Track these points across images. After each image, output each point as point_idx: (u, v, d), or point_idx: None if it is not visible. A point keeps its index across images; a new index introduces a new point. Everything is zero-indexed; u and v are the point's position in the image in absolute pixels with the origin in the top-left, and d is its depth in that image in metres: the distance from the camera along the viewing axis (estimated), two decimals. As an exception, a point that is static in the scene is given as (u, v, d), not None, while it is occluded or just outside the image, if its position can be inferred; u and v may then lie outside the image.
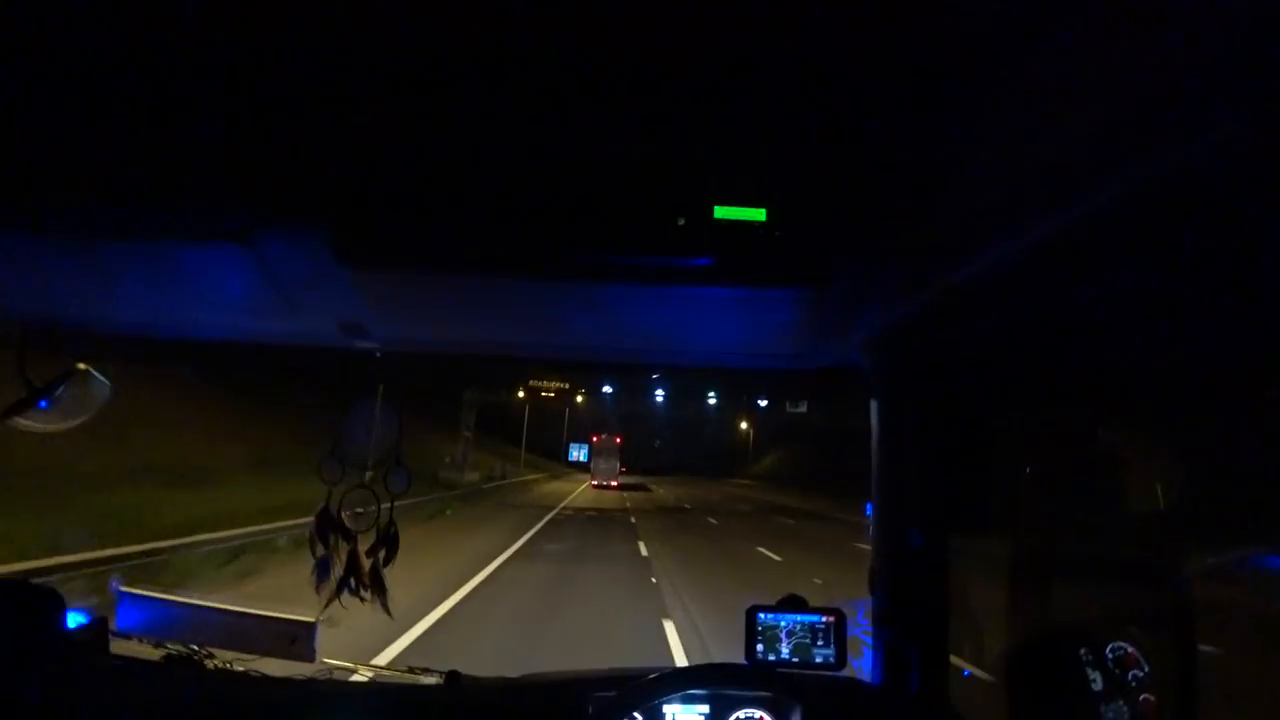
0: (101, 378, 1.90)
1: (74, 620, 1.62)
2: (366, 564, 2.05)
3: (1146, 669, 1.43)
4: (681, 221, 1.24)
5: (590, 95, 1.13)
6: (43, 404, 1.80)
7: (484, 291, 1.54)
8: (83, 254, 1.49)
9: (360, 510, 1.96)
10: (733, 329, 1.71)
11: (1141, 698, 1.42)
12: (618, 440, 45.88)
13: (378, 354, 2.03)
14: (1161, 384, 1.64)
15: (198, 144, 1.22)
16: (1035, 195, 1.08)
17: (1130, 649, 1.45)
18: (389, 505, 1.91)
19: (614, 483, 44.18)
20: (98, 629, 1.61)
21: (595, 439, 45.52)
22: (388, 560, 1.96)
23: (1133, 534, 1.63)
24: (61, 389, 1.82)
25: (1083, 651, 1.48)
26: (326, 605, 1.87)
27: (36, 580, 1.62)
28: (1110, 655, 1.46)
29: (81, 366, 1.87)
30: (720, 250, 1.26)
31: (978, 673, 1.78)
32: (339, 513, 1.93)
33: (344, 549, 2.00)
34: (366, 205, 1.28)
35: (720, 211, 1.23)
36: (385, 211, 1.29)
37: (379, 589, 2.07)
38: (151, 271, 1.54)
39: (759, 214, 1.24)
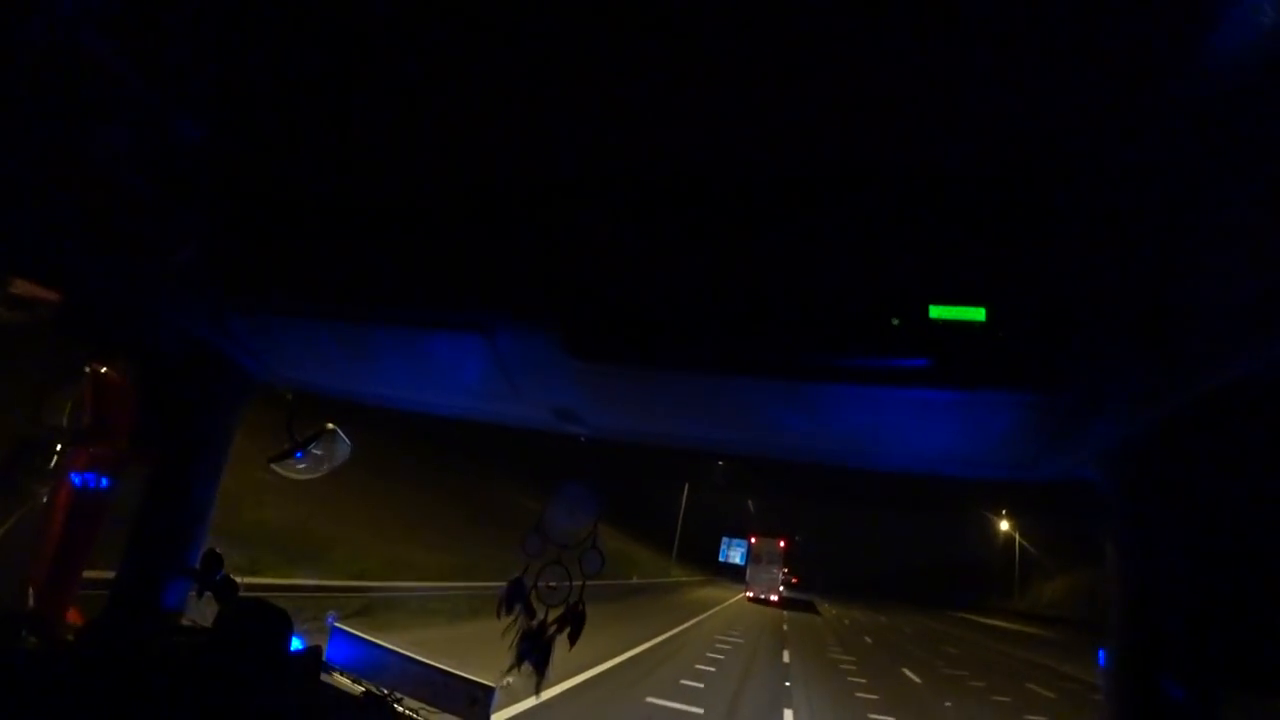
0: (345, 439, 2.18)
1: (296, 644, 1.80)
2: (553, 638, 2.09)
3: None
4: (896, 322, 1.23)
5: (809, 196, 1.18)
6: (299, 455, 2.08)
7: (696, 388, 1.58)
8: (350, 335, 1.76)
9: (554, 585, 2.02)
10: (948, 435, 1.62)
11: None
12: (781, 544, 36.95)
13: (582, 439, 2.15)
14: None
15: (449, 245, 1.43)
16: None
17: None
18: (580, 584, 1.95)
19: (774, 597, 35.79)
20: (313, 656, 1.76)
21: (754, 540, 36.09)
22: (574, 637, 1.99)
23: None
24: (315, 444, 2.11)
25: None
26: (508, 672, 1.91)
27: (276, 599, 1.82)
28: None
29: (331, 427, 2.16)
30: (937, 351, 1.23)
31: None
32: (533, 584, 2.01)
33: (529, 620, 2.07)
34: (594, 303, 1.40)
35: (936, 312, 1.20)
36: (611, 309, 1.40)
37: (545, 661, 2.09)
38: (403, 354, 1.79)
39: (978, 314, 1.20)
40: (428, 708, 1.81)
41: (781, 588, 37.50)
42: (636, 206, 1.25)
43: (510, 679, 1.95)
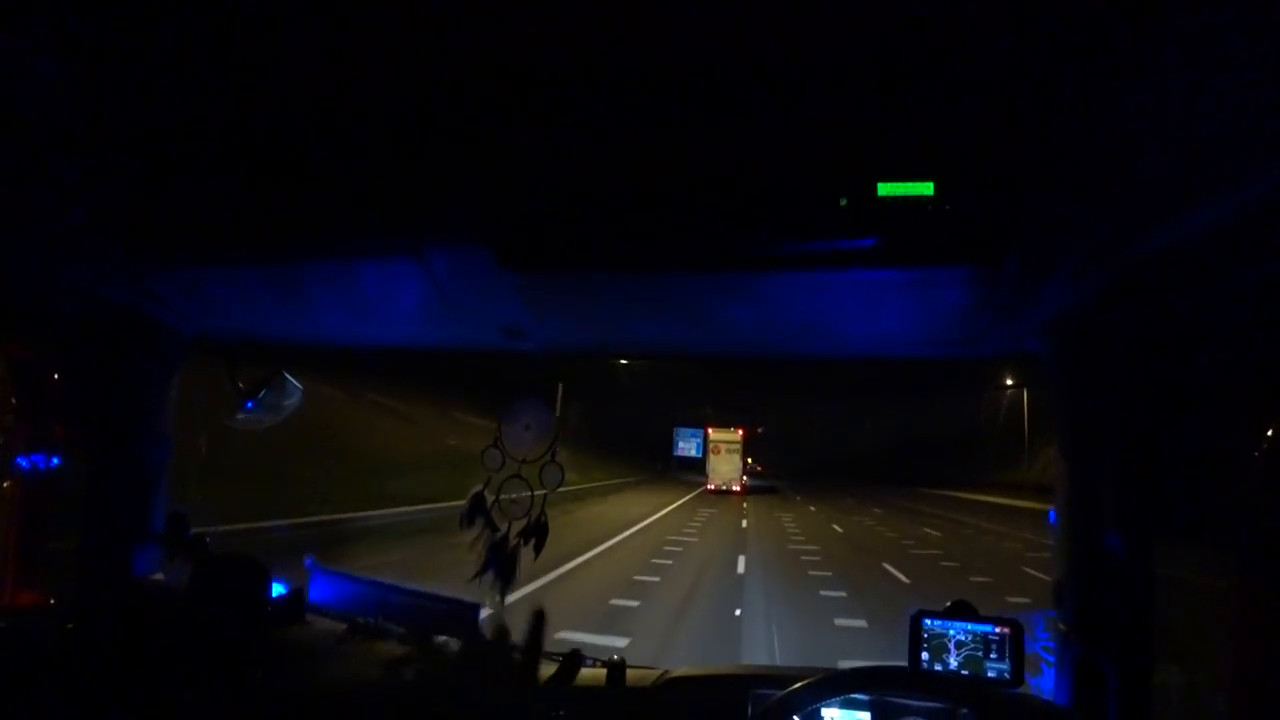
0: (296, 383, 2.14)
1: (277, 590, 1.83)
2: (517, 549, 2.16)
3: None
4: (844, 202, 1.19)
5: (741, 76, 1.10)
6: (250, 405, 2.04)
7: (642, 288, 1.55)
8: (278, 276, 1.69)
9: (514, 498, 2.05)
10: (900, 315, 1.61)
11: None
12: (740, 434, 34.96)
13: (534, 354, 2.12)
14: None
15: (368, 170, 1.34)
16: (1228, 160, 0.97)
17: None
18: (542, 496, 1.97)
19: (736, 488, 34.37)
20: (295, 600, 1.79)
21: (711, 431, 34.54)
22: (538, 549, 2.05)
23: None
24: (265, 393, 2.06)
25: None
26: (471, 580, 1.99)
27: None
28: None
29: (278, 372, 2.11)
30: (886, 229, 1.20)
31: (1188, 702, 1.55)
32: (494, 498, 2.04)
33: (491, 533, 2.13)
34: (525, 211, 1.34)
35: (885, 189, 1.17)
36: (543, 216, 1.34)
37: (511, 573, 2.17)
38: (335, 289, 1.72)
39: (926, 189, 1.17)
40: (417, 630, 1.87)
41: (745, 477, 36.54)
42: (562, 105, 1.17)
43: (494, 596, 2.03)
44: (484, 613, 1.90)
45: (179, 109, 1.25)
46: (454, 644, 1.82)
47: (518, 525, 2.12)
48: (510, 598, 2.18)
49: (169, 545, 1.82)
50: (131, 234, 1.56)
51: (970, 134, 1.13)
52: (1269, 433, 1.52)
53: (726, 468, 34.88)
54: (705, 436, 34.87)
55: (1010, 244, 1.26)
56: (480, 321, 1.81)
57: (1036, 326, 1.66)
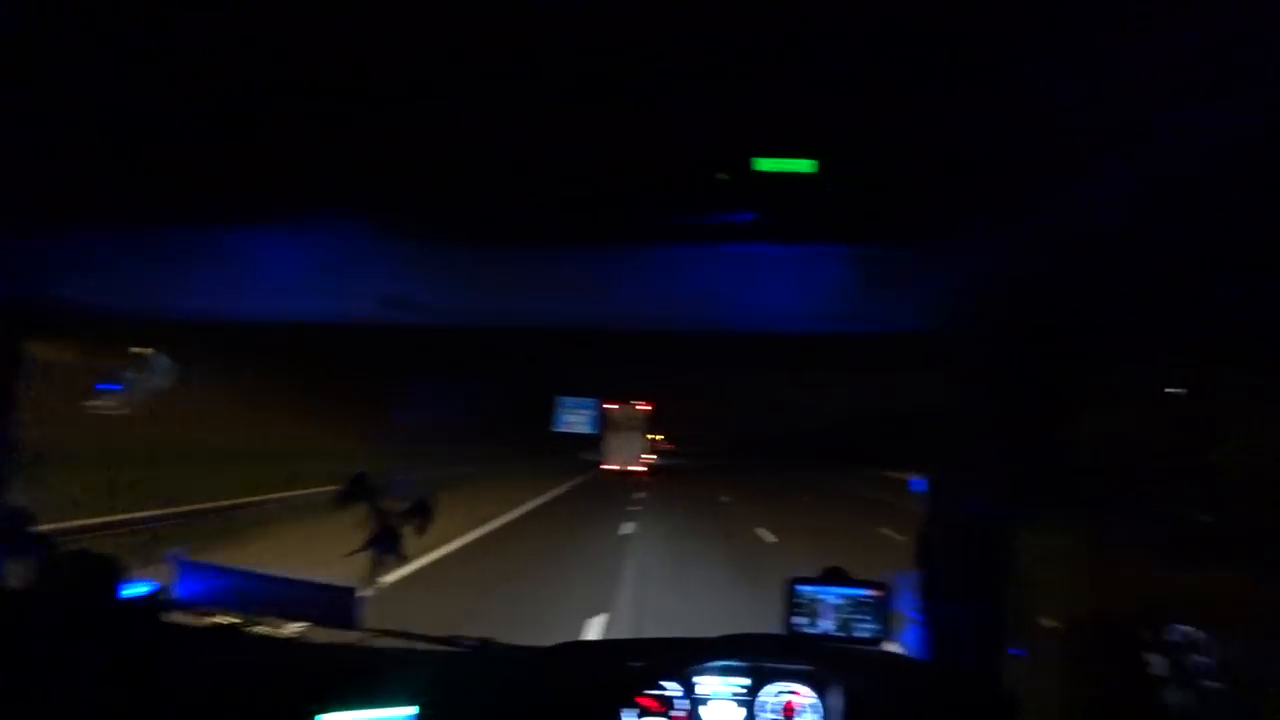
0: (165, 358, 2.00)
1: (134, 590, 1.72)
2: (401, 530, 2.12)
3: (1213, 657, 1.29)
4: (722, 176, 1.18)
5: (620, 48, 1.07)
6: (116, 387, 1.90)
7: (527, 261, 1.51)
8: (137, 243, 1.55)
9: (401, 479, 2.00)
10: (785, 291, 1.63)
11: (1206, 684, 1.28)
12: (646, 408, 30.26)
13: (417, 327, 2.06)
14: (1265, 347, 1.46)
15: (241, 128, 1.24)
16: (1110, 145, 0.99)
17: (1198, 634, 1.31)
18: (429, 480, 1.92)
19: (638, 468, 30.04)
20: (153, 598, 1.70)
21: (609, 406, 28.03)
22: (422, 528, 2.01)
23: (1215, 511, 1.47)
24: (132, 372, 1.93)
25: (1145, 633, 1.35)
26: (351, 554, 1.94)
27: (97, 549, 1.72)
28: (1176, 639, 1.32)
29: (143, 350, 1.97)
30: (765, 205, 1.21)
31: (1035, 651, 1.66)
32: (381, 480, 1.99)
33: (377, 515, 2.09)
34: (407, 178, 1.28)
35: (763, 164, 1.16)
36: (425, 183, 1.28)
37: (398, 553, 2.13)
38: (202, 257, 1.60)
39: (807, 166, 1.16)
40: (290, 623, 1.81)
41: (654, 457, 32.93)
42: (447, 71, 1.11)
43: (375, 581, 1.99)
44: (360, 595, 1.86)
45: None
46: (331, 632, 1.77)
47: (401, 505, 2.09)
48: (391, 577, 2.15)
49: (3, 544, 1.68)
50: None
51: (854, 114, 1.13)
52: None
53: (626, 446, 30.12)
54: (603, 412, 26.16)
55: (890, 225, 1.28)
56: (359, 293, 1.74)
57: (922, 307, 1.71)
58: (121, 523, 7.91)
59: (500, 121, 1.19)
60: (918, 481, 1.77)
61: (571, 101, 1.16)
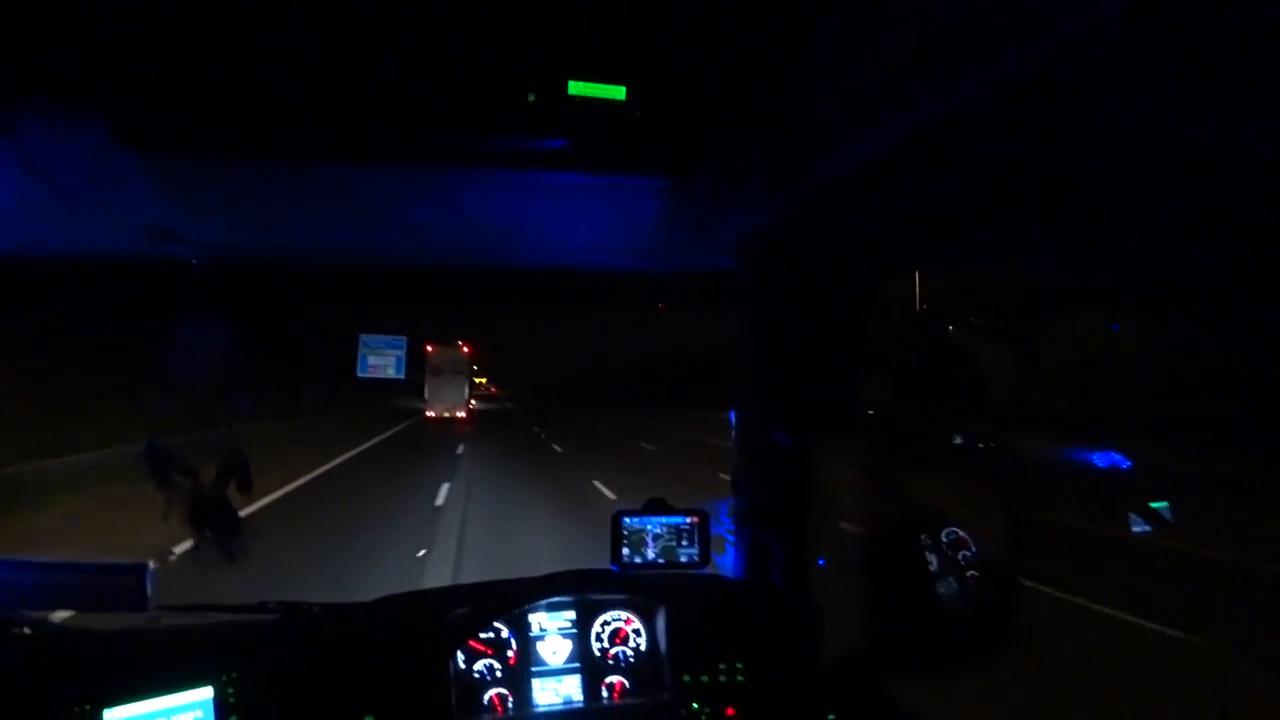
0: None
1: None
2: (216, 496, 1.93)
3: (974, 549, 1.51)
4: (533, 98, 1.15)
5: None
6: None
7: (310, 183, 1.39)
8: None
9: (200, 439, 1.81)
10: (594, 223, 1.62)
11: (969, 574, 1.50)
12: (465, 350, 30.04)
13: (194, 262, 1.83)
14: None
15: None
16: (900, 88, 1.04)
17: (961, 532, 1.52)
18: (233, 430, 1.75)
19: (461, 414, 29.70)
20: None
21: (431, 349, 28.59)
22: (246, 484, 1.85)
23: (979, 428, 1.69)
24: None
25: (923, 537, 1.55)
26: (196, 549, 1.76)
27: None
28: (945, 539, 1.52)
29: None
30: (576, 131, 1.18)
31: (834, 563, 1.85)
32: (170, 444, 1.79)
33: (189, 481, 1.88)
34: (152, 79, 1.09)
35: (576, 88, 1.14)
36: (175, 86, 1.10)
37: (232, 522, 1.95)
38: None
39: (619, 92, 1.15)
40: (69, 613, 1.61)
41: (473, 402, 32.58)
42: None
43: (173, 553, 1.81)
44: (151, 570, 1.68)
45: None
46: (114, 616, 1.59)
47: (208, 470, 1.90)
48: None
49: None
50: None
51: (665, 42, 1.12)
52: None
53: (450, 391, 29.51)
54: (426, 356, 28.35)
55: (699, 158, 1.29)
56: (114, 220, 1.50)
57: (728, 244, 1.77)
58: None
59: (295, 23, 1.06)
60: (734, 414, 1.88)
61: (379, 6, 1.06)
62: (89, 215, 1.46)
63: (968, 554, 1.50)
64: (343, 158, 1.26)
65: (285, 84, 1.13)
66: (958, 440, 1.68)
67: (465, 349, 29.84)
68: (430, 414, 29.16)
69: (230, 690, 1.40)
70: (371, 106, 1.16)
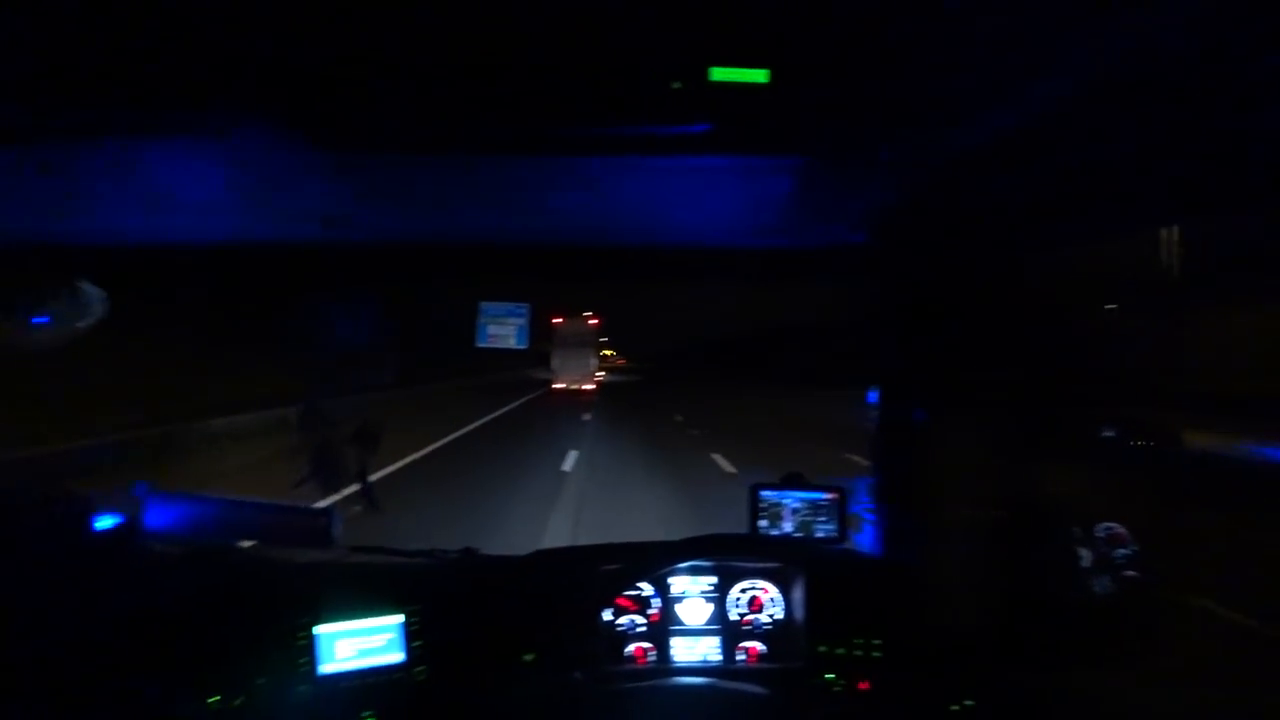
0: (95, 287, 1.89)
1: (104, 523, 1.70)
2: (348, 454, 2.15)
3: (1134, 547, 1.47)
4: (676, 85, 1.16)
5: None
6: (43, 320, 1.79)
7: (467, 173, 1.48)
8: (52, 163, 1.44)
9: (345, 404, 1.99)
10: (731, 204, 1.64)
11: (1126, 574, 1.47)
12: (594, 322, 28.81)
13: (357, 245, 1.99)
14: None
15: (165, 41, 1.15)
16: (1039, 61, 1.02)
17: (1119, 528, 1.49)
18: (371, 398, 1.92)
19: (589, 386, 28.97)
20: (125, 530, 1.68)
21: (558, 321, 27.30)
22: (372, 449, 2.04)
23: (1137, 415, 1.62)
24: (58, 302, 1.81)
25: (1075, 529, 1.52)
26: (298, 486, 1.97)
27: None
28: (1100, 534, 1.50)
29: (70, 281, 1.85)
30: (719, 115, 1.20)
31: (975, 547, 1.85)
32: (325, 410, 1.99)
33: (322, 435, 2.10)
34: (337, 87, 1.21)
35: (718, 74, 1.14)
36: (358, 92, 1.22)
37: (362, 478, 2.17)
38: (123, 176, 1.50)
39: (761, 75, 1.14)
40: (268, 547, 1.83)
41: (600, 373, 31.57)
42: None
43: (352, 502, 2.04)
44: (337, 515, 1.89)
45: None
46: (311, 551, 1.81)
47: (345, 432, 2.10)
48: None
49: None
50: None
51: (806, 24, 1.13)
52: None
53: (577, 362, 28.96)
54: (553, 328, 27.42)
55: (837, 136, 1.30)
56: (296, 211, 1.67)
57: (859, 219, 1.75)
58: (54, 455, 7.60)
59: (440, 23, 1.14)
60: (872, 394, 1.88)
61: (531, 10, 1.12)
62: (280, 208, 1.62)
63: (1124, 552, 1.47)
64: (496, 150, 1.35)
65: (447, 85, 1.21)
66: (1108, 433, 1.63)
67: (593, 321, 28.92)
68: (557, 386, 28.75)
69: (414, 620, 1.59)
70: (524, 102, 1.22)
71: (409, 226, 1.85)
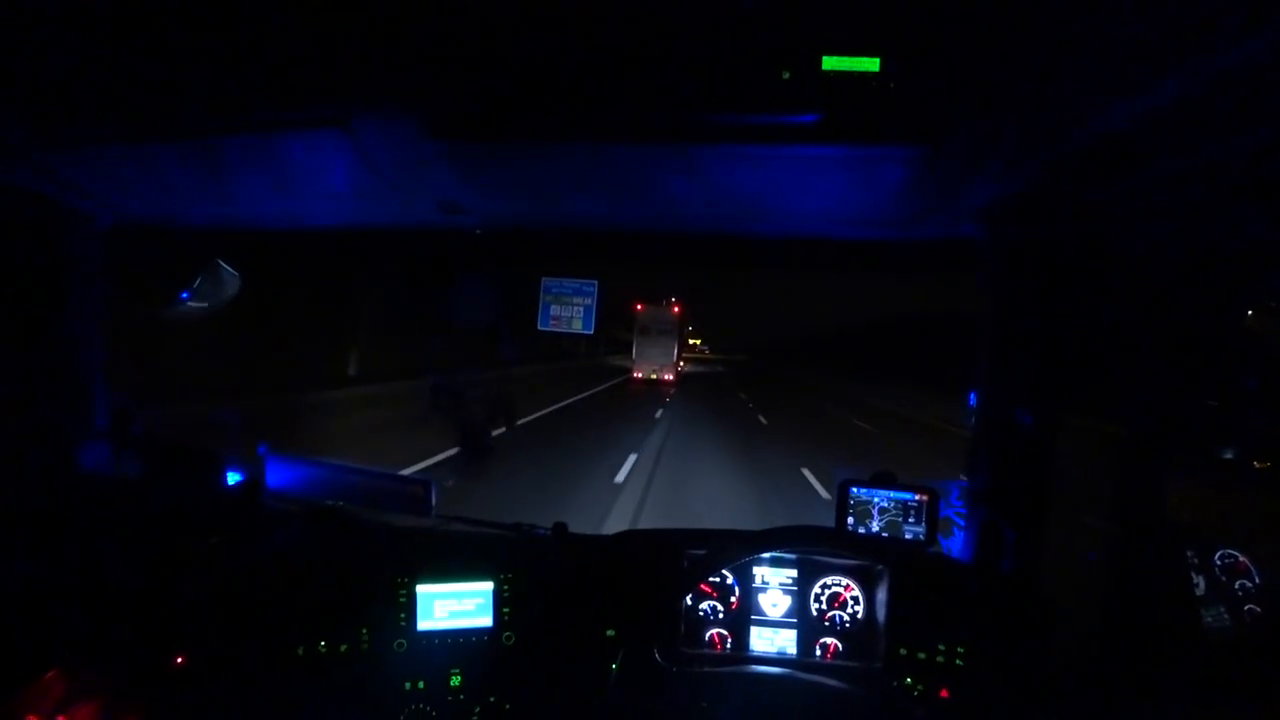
0: (230, 269, 2.06)
1: (233, 479, 1.88)
2: (479, 424, 2.26)
3: (1257, 580, 1.35)
4: (787, 75, 1.17)
5: None
6: (185, 295, 1.97)
7: (582, 161, 1.52)
8: (194, 154, 1.59)
9: (478, 378, 2.09)
10: (839, 193, 1.61)
11: (1246, 608, 1.35)
12: (675, 310, 28.32)
13: (477, 232, 2.08)
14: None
15: (290, 37, 1.25)
16: (1166, 49, 0.97)
17: (1241, 558, 1.37)
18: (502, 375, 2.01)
19: (669, 376, 27.88)
20: (252, 486, 1.85)
21: (640, 308, 27.41)
22: (509, 421, 2.14)
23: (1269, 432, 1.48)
24: (199, 282, 1.99)
25: (1190, 554, 1.41)
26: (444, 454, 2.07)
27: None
28: (1220, 562, 1.38)
29: (212, 259, 2.02)
30: (830, 105, 1.20)
31: (1074, 560, 1.75)
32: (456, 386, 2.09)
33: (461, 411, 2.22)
34: (455, 80, 1.28)
35: (830, 63, 1.14)
36: (474, 84, 1.28)
37: (485, 444, 2.29)
38: (258, 164, 1.63)
39: (872, 64, 1.14)
40: (372, 510, 1.96)
41: (682, 363, 30.44)
42: None
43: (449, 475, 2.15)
44: (436, 485, 2.00)
45: None
46: (410, 518, 1.92)
47: (480, 407, 2.21)
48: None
49: (117, 441, 1.83)
50: (30, 112, 1.44)
51: (919, 11, 1.10)
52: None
53: (657, 351, 27.92)
54: (635, 314, 27.70)
55: (951, 125, 1.26)
56: (415, 197, 1.76)
57: (971, 211, 1.68)
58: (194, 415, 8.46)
59: (554, 16, 1.17)
60: (973, 395, 1.81)
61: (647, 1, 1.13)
62: (398, 193, 1.71)
63: (1247, 584, 1.35)
64: (609, 138, 1.38)
65: (563, 77, 1.25)
66: (1227, 455, 1.50)
67: (675, 308, 28.34)
68: (636, 374, 27.87)
69: (505, 588, 1.68)
70: (639, 91, 1.25)
71: (521, 212, 1.92)
